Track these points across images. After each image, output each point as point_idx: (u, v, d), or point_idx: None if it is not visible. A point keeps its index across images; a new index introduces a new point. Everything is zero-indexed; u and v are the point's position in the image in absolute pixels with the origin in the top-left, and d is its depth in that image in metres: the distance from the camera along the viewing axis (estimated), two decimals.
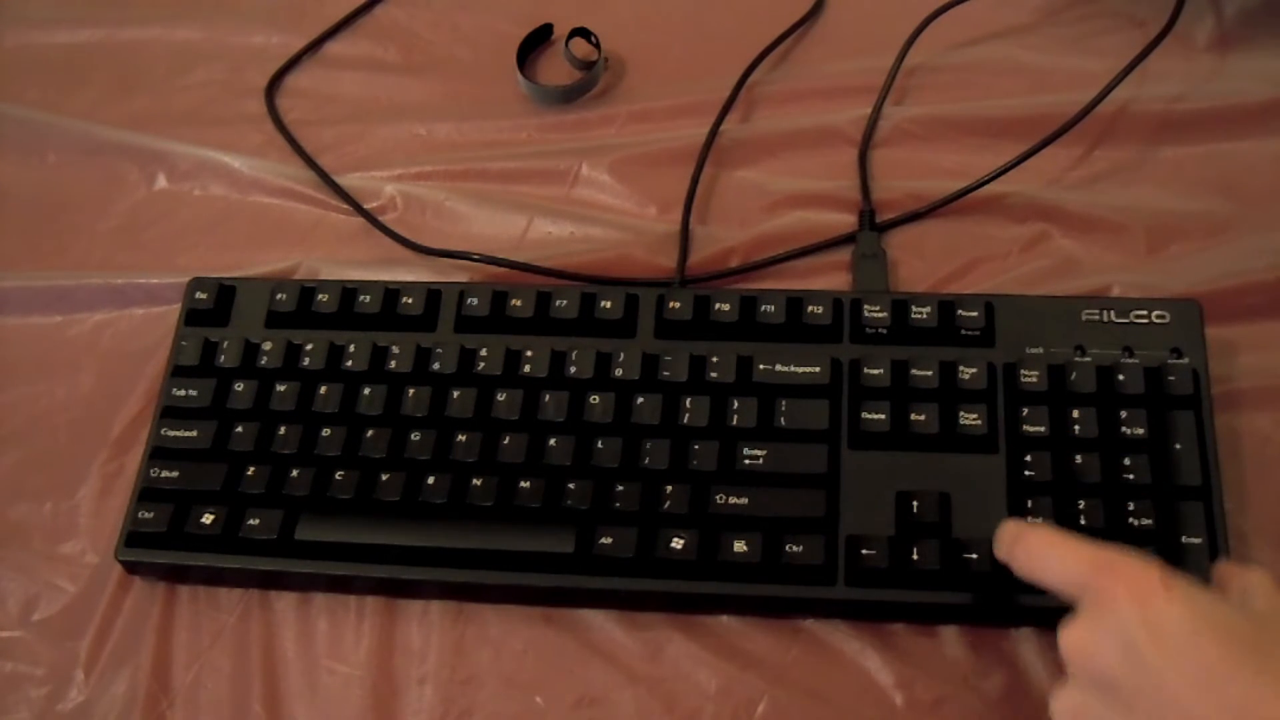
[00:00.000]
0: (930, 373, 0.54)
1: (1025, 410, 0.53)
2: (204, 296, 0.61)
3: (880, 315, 0.56)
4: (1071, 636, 0.42)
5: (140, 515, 0.56)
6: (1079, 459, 0.51)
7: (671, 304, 0.58)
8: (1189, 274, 0.59)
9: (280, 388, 0.58)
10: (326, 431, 0.56)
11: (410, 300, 0.60)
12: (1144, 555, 0.42)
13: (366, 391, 0.57)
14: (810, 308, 0.57)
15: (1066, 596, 0.43)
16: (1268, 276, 0.58)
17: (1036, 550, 0.45)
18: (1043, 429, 0.52)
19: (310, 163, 0.70)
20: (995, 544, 0.48)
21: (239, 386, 0.58)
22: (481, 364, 0.57)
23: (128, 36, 0.79)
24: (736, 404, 0.55)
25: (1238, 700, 0.37)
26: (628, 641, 0.53)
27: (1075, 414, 0.52)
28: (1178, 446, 0.52)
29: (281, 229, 0.69)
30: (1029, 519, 0.50)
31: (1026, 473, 0.52)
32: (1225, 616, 0.39)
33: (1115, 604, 0.40)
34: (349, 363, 0.58)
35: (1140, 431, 0.52)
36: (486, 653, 0.54)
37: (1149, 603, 0.40)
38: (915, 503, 0.52)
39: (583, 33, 0.73)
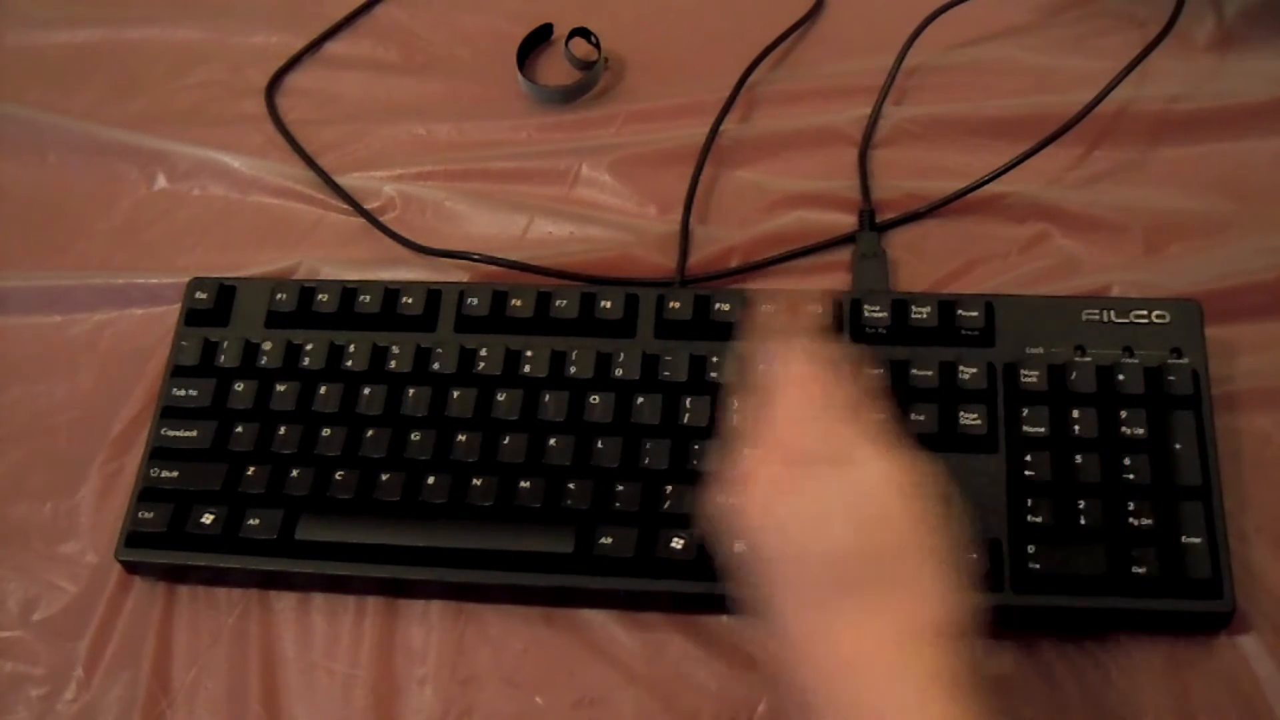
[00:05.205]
0: (930, 373, 0.54)
1: (1025, 410, 0.53)
2: (204, 296, 0.61)
3: (880, 315, 0.56)
4: None
5: (140, 515, 0.56)
6: (1079, 459, 0.51)
7: (671, 304, 0.58)
8: (1189, 274, 0.59)
9: (280, 388, 0.58)
10: (326, 431, 0.56)
11: (410, 300, 0.60)
12: None
13: (366, 391, 0.57)
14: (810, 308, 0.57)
15: None
16: (1268, 276, 0.58)
17: None
18: (1043, 429, 0.52)
19: (310, 163, 0.70)
20: None
21: (239, 386, 0.58)
22: (481, 364, 0.57)
23: (128, 36, 0.79)
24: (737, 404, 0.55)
25: None
26: (628, 641, 0.53)
27: (1075, 414, 0.52)
28: (1178, 446, 0.52)
29: (281, 229, 0.69)
30: None
31: (1026, 473, 0.52)
32: None
33: None
34: (349, 363, 0.58)
35: (1140, 431, 0.52)
36: (486, 653, 0.54)
37: None
38: None
39: (583, 33, 0.73)
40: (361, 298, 0.60)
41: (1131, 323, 0.55)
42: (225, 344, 0.59)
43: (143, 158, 0.72)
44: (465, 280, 0.64)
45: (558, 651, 0.53)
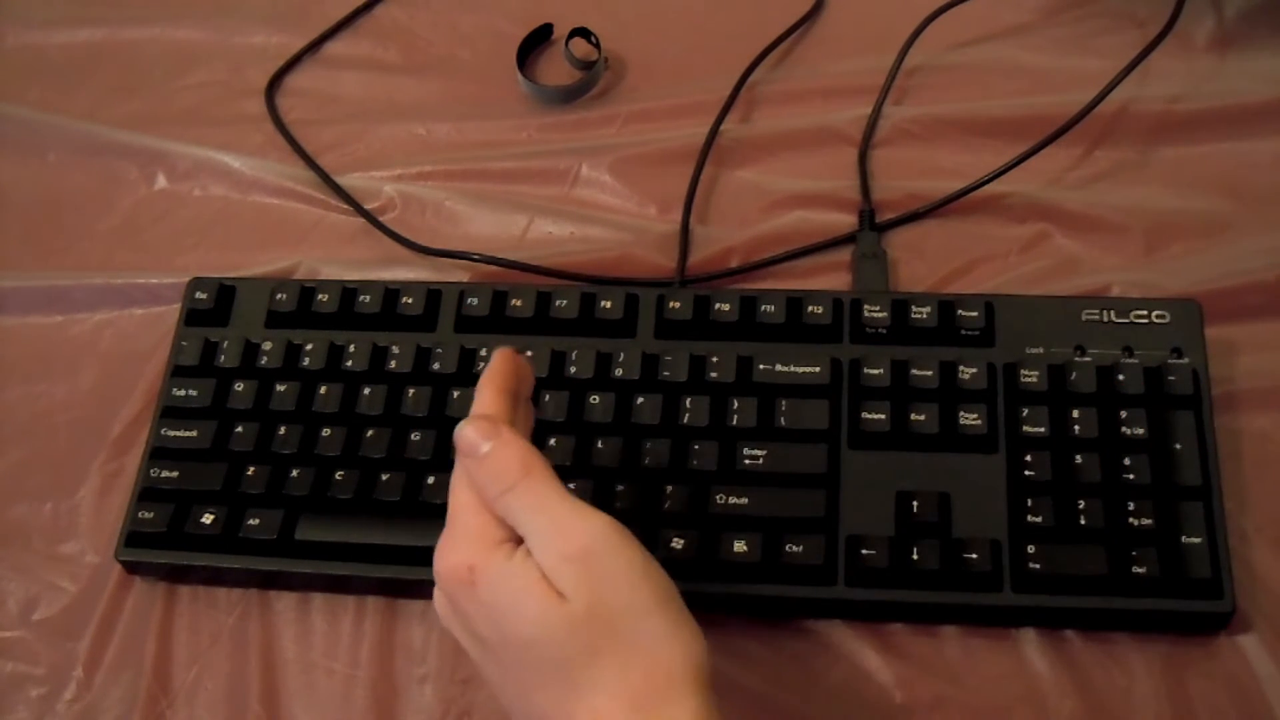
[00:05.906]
0: (930, 373, 0.54)
1: (1025, 410, 0.53)
2: (204, 296, 0.61)
3: (880, 315, 0.56)
4: (437, 601, 0.44)
5: (140, 515, 0.56)
6: (1079, 459, 0.51)
7: (671, 304, 0.58)
8: (1189, 274, 0.59)
9: (280, 388, 0.58)
10: (326, 431, 0.56)
11: (410, 300, 0.60)
12: (472, 536, 0.42)
13: (366, 391, 0.57)
14: (810, 308, 0.57)
15: None
16: (1268, 276, 0.58)
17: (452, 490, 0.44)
18: (1043, 429, 0.52)
19: (310, 163, 0.70)
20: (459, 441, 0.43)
21: (239, 386, 0.58)
22: (481, 364, 0.57)
23: (128, 36, 0.79)
24: (736, 404, 0.55)
25: (540, 712, 0.40)
26: None
27: (1075, 414, 0.52)
28: (1178, 446, 0.52)
29: (281, 229, 0.69)
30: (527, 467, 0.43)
31: (1026, 473, 0.52)
32: (529, 624, 0.40)
33: (442, 594, 0.43)
34: (349, 363, 0.58)
35: (1140, 431, 0.52)
36: None
37: (461, 603, 0.42)
38: (915, 503, 0.52)
39: (583, 33, 0.73)
40: (361, 298, 0.60)
41: (1131, 323, 0.55)
42: (225, 344, 0.59)
43: (143, 158, 0.72)
44: (465, 280, 0.64)
45: None
